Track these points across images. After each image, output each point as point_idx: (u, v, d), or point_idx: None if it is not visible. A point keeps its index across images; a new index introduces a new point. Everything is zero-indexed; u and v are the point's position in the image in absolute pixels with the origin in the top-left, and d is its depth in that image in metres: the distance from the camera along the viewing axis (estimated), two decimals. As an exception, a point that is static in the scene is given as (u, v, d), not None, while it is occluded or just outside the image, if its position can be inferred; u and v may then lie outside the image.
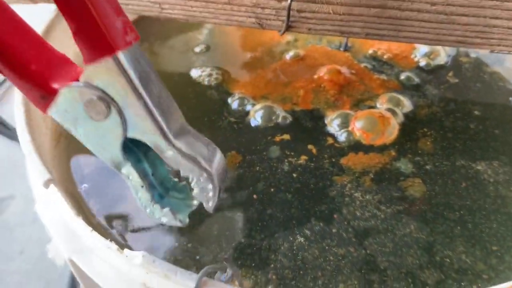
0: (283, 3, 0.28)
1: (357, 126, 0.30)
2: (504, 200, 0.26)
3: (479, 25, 0.26)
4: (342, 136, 0.30)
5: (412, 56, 0.36)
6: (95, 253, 0.22)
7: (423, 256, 0.24)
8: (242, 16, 0.30)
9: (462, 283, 0.23)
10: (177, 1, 0.30)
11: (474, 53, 0.35)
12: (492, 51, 0.29)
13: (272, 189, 0.27)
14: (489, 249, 0.24)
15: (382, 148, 0.29)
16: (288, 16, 0.28)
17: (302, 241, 0.25)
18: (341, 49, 0.37)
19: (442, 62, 0.35)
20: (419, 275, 0.23)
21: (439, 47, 0.35)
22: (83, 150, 0.30)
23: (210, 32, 0.40)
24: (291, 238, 0.25)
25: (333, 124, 0.31)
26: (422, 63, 0.35)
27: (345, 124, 0.31)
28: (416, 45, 0.36)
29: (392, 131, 0.30)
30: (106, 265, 0.22)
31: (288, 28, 0.29)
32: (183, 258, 0.25)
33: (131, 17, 0.39)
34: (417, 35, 0.28)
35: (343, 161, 0.29)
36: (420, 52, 0.36)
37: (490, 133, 0.30)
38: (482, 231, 0.25)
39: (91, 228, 0.21)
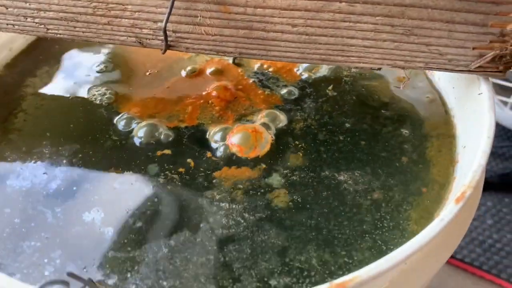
0: (159, 24, 0.30)
1: (232, 141, 0.32)
2: (359, 209, 0.28)
3: (338, 44, 0.28)
4: (220, 150, 0.32)
5: (296, 69, 0.38)
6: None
7: (276, 261, 0.26)
8: (122, 36, 0.31)
9: (308, 285, 0.24)
10: (61, 22, 0.32)
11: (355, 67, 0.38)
12: (356, 68, 0.31)
13: (146, 203, 0.29)
14: (338, 253, 0.26)
15: (255, 161, 0.31)
16: (166, 36, 0.30)
17: (166, 251, 0.26)
18: (231, 62, 0.39)
19: (323, 75, 0.37)
20: (269, 279, 0.25)
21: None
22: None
23: (113, 51, 0.41)
24: (156, 249, 0.26)
25: (213, 138, 0.33)
26: (304, 76, 0.37)
27: (223, 138, 0.32)
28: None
29: (265, 145, 0.32)
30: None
31: (169, 47, 0.31)
32: (51, 274, 0.26)
33: (24, 40, 0.40)
34: (285, 54, 0.29)
35: (217, 174, 0.30)
36: (302, 66, 0.38)
37: (357, 144, 0.32)
38: (335, 237, 0.27)
39: None
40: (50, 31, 0.32)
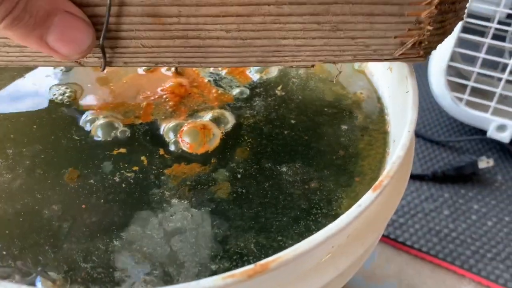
0: (96, 42, 0.29)
1: (183, 138, 0.34)
2: (296, 197, 0.31)
3: (272, 45, 0.30)
4: (172, 147, 0.34)
5: (248, 71, 0.40)
6: None
7: (218, 248, 0.28)
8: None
9: (245, 268, 0.27)
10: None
11: (302, 70, 0.40)
12: (291, 67, 0.33)
13: (101, 200, 0.31)
14: (274, 238, 0.29)
15: (204, 157, 0.33)
16: (104, 53, 0.30)
17: (117, 243, 0.29)
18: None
19: (272, 77, 0.40)
20: (211, 264, 0.27)
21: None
22: None
23: None
24: (108, 241, 0.29)
25: (168, 134, 0.35)
26: (256, 77, 0.40)
27: (175, 135, 0.34)
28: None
29: (214, 140, 0.34)
30: None
31: (107, 63, 0.31)
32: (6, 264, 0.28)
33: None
34: (223, 60, 0.31)
35: (168, 171, 0.33)
36: (254, 68, 0.40)
37: (299, 139, 0.35)
38: (272, 224, 0.30)
39: None
40: None
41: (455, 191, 0.71)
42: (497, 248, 0.63)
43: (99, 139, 0.35)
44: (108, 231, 0.29)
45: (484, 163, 0.70)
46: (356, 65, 0.41)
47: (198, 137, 0.34)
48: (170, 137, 0.35)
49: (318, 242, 0.24)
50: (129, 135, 0.35)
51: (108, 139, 0.35)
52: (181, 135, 0.34)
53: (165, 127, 0.35)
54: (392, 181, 0.27)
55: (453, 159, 0.74)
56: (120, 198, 0.31)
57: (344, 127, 0.36)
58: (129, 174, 0.32)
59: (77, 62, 0.31)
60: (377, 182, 0.26)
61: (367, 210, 0.25)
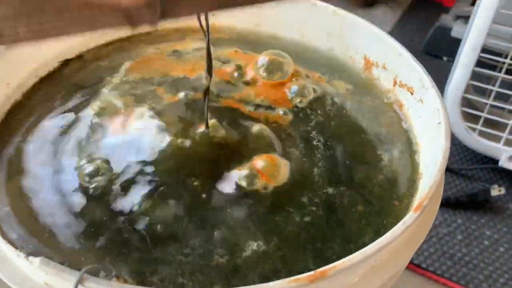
0: None
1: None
2: (347, 219, 0.34)
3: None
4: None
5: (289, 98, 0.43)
6: (9, 261, 0.28)
7: (278, 265, 0.31)
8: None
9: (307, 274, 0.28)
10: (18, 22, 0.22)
11: (337, 97, 0.44)
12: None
13: (173, 219, 0.34)
14: (330, 258, 0.31)
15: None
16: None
17: (183, 258, 0.31)
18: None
19: (310, 100, 0.43)
20: (271, 278, 0.29)
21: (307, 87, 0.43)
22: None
23: (126, 72, 0.46)
24: (180, 250, 0.32)
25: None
26: (297, 100, 0.43)
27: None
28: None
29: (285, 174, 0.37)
30: (17, 270, 0.28)
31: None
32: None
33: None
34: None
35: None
36: (292, 91, 0.43)
37: (342, 162, 0.38)
38: (329, 247, 0.32)
39: (5, 241, 0.27)
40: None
41: (467, 217, 0.74)
42: (509, 274, 0.66)
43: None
44: (180, 246, 0.32)
45: (496, 191, 0.73)
46: (386, 97, 0.45)
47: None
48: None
49: (369, 253, 0.27)
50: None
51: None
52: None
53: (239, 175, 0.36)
54: (430, 202, 0.30)
55: (465, 186, 0.78)
56: (191, 219, 0.34)
57: (381, 153, 0.39)
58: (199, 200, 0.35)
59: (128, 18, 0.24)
60: (418, 203, 0.30)
61: (409, 228, 0.29)
